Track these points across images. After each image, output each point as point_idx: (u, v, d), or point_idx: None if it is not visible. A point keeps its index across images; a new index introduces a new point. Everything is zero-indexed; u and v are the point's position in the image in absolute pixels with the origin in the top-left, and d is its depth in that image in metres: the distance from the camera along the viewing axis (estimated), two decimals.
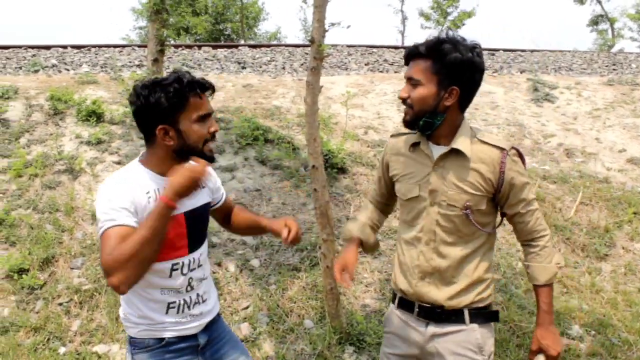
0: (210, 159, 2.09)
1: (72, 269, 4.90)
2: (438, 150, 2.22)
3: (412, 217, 2.31)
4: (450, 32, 2.15)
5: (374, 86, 9.18)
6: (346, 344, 4.17)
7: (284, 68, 10.49)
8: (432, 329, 2.28)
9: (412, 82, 2.16)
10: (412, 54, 2.17)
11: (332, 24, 3.66)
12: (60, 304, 4.53)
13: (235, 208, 2.60)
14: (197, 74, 9.22)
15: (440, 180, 2.20)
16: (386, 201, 2.62)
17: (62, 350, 4.09)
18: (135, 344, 2.16)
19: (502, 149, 2.16)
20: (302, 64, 10.75)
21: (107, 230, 1.85)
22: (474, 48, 2.11)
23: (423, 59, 2.12)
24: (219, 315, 2.42)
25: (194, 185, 1.88)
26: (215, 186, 2.41)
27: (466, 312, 2.25)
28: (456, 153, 2.18)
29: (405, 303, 2.38)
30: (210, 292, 2.35)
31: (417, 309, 2.32)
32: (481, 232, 2.23)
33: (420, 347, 2.32)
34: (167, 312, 2.14)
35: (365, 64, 10.96)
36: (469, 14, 23.16)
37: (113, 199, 1.92)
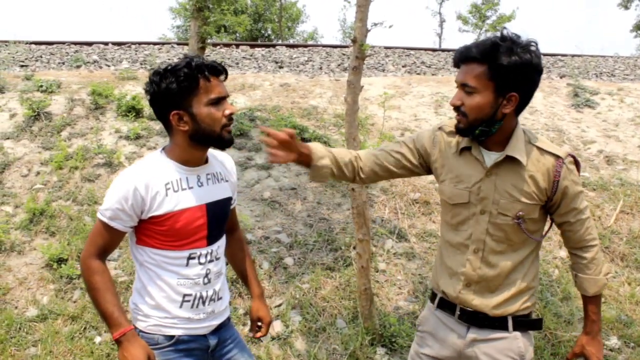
0: (229, 142, 2.10)
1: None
2: (490, 157, 2.13)
3: (457, 221, 2.23)
4: (505, 32, 1.99)
5: (411, 88, 9.12)
6: (378, 345, 4.15)
7: (321, 68, 10.50)
8: (473, 334, 2.22)
9: (465, 89, 2.02)
10: (464, 58, 2.03)
11: (375, 24, 3.65)
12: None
13: (237, 232, 2.56)
14: (235, 73, 9.33)
15: (493, 189, 2.11)
16: (371, 173, 2.33)
17: (97, 339, 4.16)
18: (144, 339, 2.09)
19: (557, 156, 2.07)
20: (339, 65, 10.75)
21: (100, 221, 2.04)
22: (531, 47, 1.97)
23: (477, 63, 1.98)
24: (228, 319, 2.39)
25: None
26: (234, 185, 2.39)
27: (510, 320, 2.19)
28: (510, 160, 2.08)
29: (447, 304, 2.30)
30: (225, 291, 2.33)
31: (459, 312, 2.25)
32: (531, 239, 2.16)
33: (458, 350, 2.26)
34: (181, 306, 2.12)
35: (403, 66, 10.91)
36: (509, 18, 22.86)
37: (118, 195, 1.99)
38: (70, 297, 4.56)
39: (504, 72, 1.94)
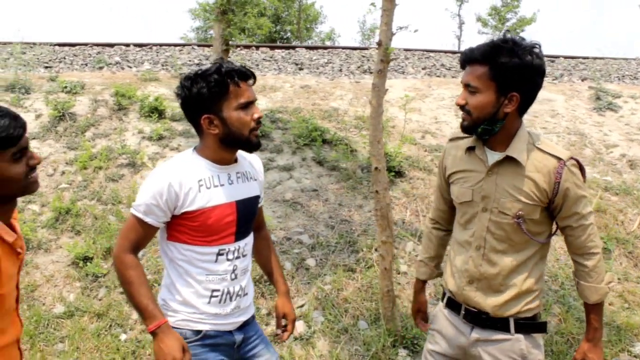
0: (257, 145, 2.16)
1: None
2: (493, 156, 2.19)
3: (465, 220, 2.30)
4: (508, 35, 2.09)
5: (431, 91, 9.13)
6: (400, 347, 4.16)
7: (340, 70, 10.53)
8: (477, 334, 2.28)
9: (469, 88, 2.11)
10: (468, 59, 2.12)
11: (400, 28, 3.68)
12: (122, 293, 4.66)
13: (264, 230, 2.62)
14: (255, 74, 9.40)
15: (493, 187, 2.17)
16: (447, 221, 2.58)
17: (123, 337, 4.22)
18: None
19: (559, 158, 2.10)
20: (358, 67, 10.77)
21: (134, 216, 2.09)
22: (533, 49, 2.03)
23: (480, 65, 2.07)
24: (253, 316, 2.44)
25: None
26: (262, 184, 2.44)
27: (512, 322, 2.23)
28: (511, 160, 2.14)
29: (453, 304, 2.38)
30: (250, 287, 2.39)
31: (464, 312, 2.32)
32: (533, 241, 2.19)
33: (463, 349, 2.33)
34: (209, 302, 2.17)
35: (423, 68, 10.90)
36: (529, 21, 22.68)
37: (153, 190, 2.05)
38: (95, 295, 4.63)
39: (504, 72, 2.02)
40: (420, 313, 2.71)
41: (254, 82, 2.15)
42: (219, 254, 2.16)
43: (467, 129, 2.19)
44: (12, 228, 1.77)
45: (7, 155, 1.67)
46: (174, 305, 2.18)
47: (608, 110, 8.92)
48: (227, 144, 2.13)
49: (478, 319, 2.28)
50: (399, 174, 6.36)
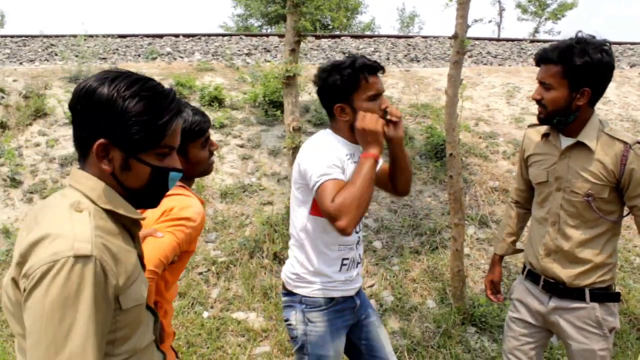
0: (387, 141, 2.33)
1: (207, 242, 5.31)
2: (566, 142, 2.43)
3: (541, 199, 2.55)
4: (580, 34, 2.30)
5: (481, 79, 9.22)
6: (468, 324, 4.35)
7: (388, 59, 10.65)
8: (554, 302, 2.51)
9: (544, 85, 2.33)
10: (542, 59, 2.34)
11: (475, 20, 3.83)
12: (200, 274, 4.94)
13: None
14: (305, 63, 9.56)
15: (565, 169, 2.41)
16: (526, 200, 2.80)
17: (205, 314, 4.48)
18: (307, 303, 2.38)
19: (625, 143, 2.30)
20: (405, 55, 10.88)
21: (323, 184, 2.10)
22: (603, 47, 2.24)
23: (553, 64, 2.28)
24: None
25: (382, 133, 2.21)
26: None
27: (587, 292, 2.44)
28: (581, 145, 2.36)
29: (533, 275, 2.62)
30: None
31: (542, 283, 2.55)
32: (604, 219, 2.39)
33: (542, 316, 2.57)
34: (340, 269, 2.37)
35: (469, 57, 10.96)
36: (570, 6, 22.40)
37: (325, 157, 2.19)
38: None
39: (577, 71, 2.23)
40: (493, 284, 2.91)
41: (383, 73, 2.35)
42: None
43: (543, 120, 2.44)
44: None
45: (199, 143, 2.13)
46: (309, 277, 2.37)
47: None
48: (354, 130, 2.30)
49: (555, 288, 2.51)
50: None
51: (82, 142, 1.39)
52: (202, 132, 2.12)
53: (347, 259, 2.39)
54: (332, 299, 2.39)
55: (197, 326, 4.32)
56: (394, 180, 2.53)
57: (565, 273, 2.45)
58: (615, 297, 2.50)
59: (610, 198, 2.36)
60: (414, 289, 4.77)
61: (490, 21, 4.00)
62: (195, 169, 2.17)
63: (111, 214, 1.39)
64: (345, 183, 2.13)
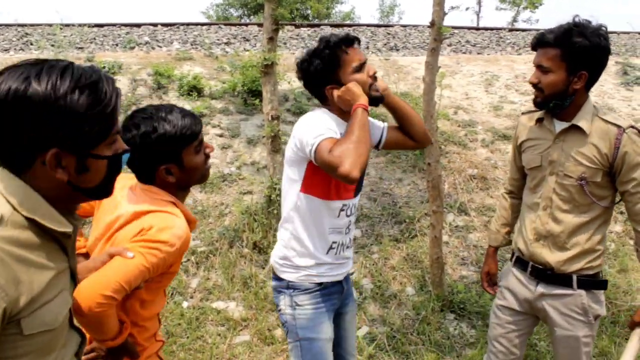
0: (380, 99, 2.32)
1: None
2: (560, 126, 2.42)
3: (534, 184, 2.55)
4: (577, 18, 2.30)
5: (460, 67, 9.26)
6: (447, 311, 4.39)
7: (367, 47, 10.65)
8: (542, 288, 2.52)
9: (542, 69, 2.33)
10: (540, 43, 2.34)
11: (452, 7, 3.84)
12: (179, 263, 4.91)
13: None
14: (284, 52, 9.53)
15: (559, 152, 2.41)
16: (520, 189, 2.78)
17: (185, 304, 4.47)
18: (295, 287, 2.37)
19: (619, 126, 2.31)
20: (385, 44, 10.88)
21: (319, 143, 2.08)
22: (600, 31, 2.26)
23: (551, 47, 2.28)
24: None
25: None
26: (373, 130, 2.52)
27: (574, 278, 2.44)
28: (576, 129, 2.37)
29: (521, 262, 2.62)
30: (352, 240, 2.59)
31: (530, 269, 2.55)
32: (596, 204, 2.39)
33: (529, 302, 2.58)
34: (327, 252, 2.35)
35: (448, 45, 11.00)
36: None
37: (318, 123, 2.18)
38: None
39: (575, 53, 2.24)
40: (489, 277, 2.92)
41: (359, 44, 2.33)
42: (341, 209, 2.34)
43: (540, 104, 2.43)
44: None
45: (192, 148, 1.93)
46: (297, 261, 2.35)
47: (636, 84, 9.02)
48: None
49: (543, 274, 2.51)
50: None
51: (20, 158, 1.19)
52: (195, 135, 1.93)
53: (336, 242, 2.37)
54: (319, 283, 2.38)
55: (176, 316, 4.30)
56: (408, 132, 2.50)
57: (553, 258, 2.45)
58: (603, 285, 2.50)
59: (603, 182, 2.37)
60: (394, 277, 4.79)
61: (467, 9, 4.03)
62: (192, 176, 1.98)
63: (34, 223, 1.20)
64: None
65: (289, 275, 2.38)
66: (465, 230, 5.45)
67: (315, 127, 2.15)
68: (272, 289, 2.50)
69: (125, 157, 1.38)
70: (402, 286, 4.71)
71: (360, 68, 2.26)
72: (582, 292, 2.44)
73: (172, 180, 1.93)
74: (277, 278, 2.43)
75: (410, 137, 2.52)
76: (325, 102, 2.35)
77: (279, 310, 2.45)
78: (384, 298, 4.54)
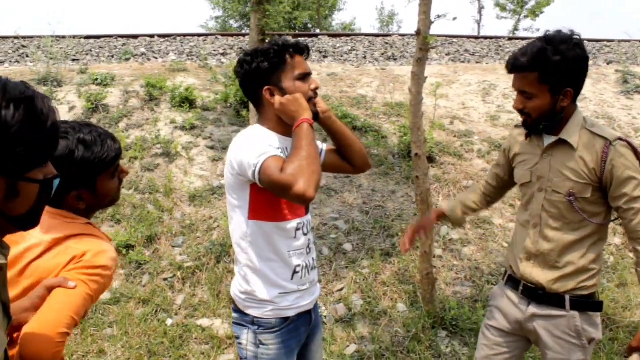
0: (315, 115, 2.18)
1: (173, 247, 5.18)
2: (548, 140, 2.31)
3: (525, 201, 2.44)
4: (548, 33, 2.19)
5: (457, 77, 9.15)
6: (439, 328, 4.26)
7: (365, 57, 10.56)
8: (533, 309, 2.38)
9: (524, 95, 2.22)
10: (515, 67, 2.22)
11: (438, 16, 3.73)
12: (165, 279, 4.80)
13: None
14: None
15: (547, 167, 2.30)
16: (491, 194, 2.73)
17: (169, 321, 4.35)
18: (260, 324, 2.20)
19: (606, 139, 2.19)
20: (382, 54, 10.79)
21: (263, 163, 1.95)
22: (574, 41, 2.14)
23: (529, 72, 2.17)
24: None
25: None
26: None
27: (567, 298, 2.30)
28: (563, 143, 2.25)
29: (513, 280, 2.50)
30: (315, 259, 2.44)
31: (522, 288, 2.43)
32: (588, 221, 2.26)
33: (519, 323, 2.44)
34: (292, 278, 2.20)
35: (447, 54, 10.90)
36: (547, 2, 22.40)
37: (257, 144, 2.04)
38: (139, 282, 4.76)
39: (555, 74, 2.13)
40: (417, 233, 2.74)
41: (308, 57, 2.23)
42: (297, 229, 2.20)
43: (530, 128, 2.32)
44: None
45: (109, 174, 1.81)
46: (260, 294, 2.18)
47: (636, 93, 8.88)
48: None
49: (535, 294, 2.38)
50: (430, 159, 6.42)
51: None
52: (113, 161, 1.79)
53: (299, 265, 2.23)
54: (286, 318, 2.22)
55: (159, 334, 4.18)
56: (347, 157, 2.41)
57: (544, 277, 2.33)
58: (598, 307, 2.36)
59: (594, 199, 2.24)
60: (384, 292, 4.66)
61: (455, 18, 3.88)
62: (102, 201, 1.85)
63: None
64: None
65: (253, 311, 2.21)
66: (460, 243, 5.32)
67: (255, 146, 2.02)
68: (233, 320, 2.32)
69: (56, 183, 1.26)
70: (393, 302, 4.58)
71: (303, 77, 2.15)
72: (576, 313, 2.30)
73: (81, 207, 1.79)
74: (240, 312, 2.26)
75: (349, 162, 2.43)
76: (260, 107, 2.21)
77: (239, 344, 2.27)
78: (373, 315, 4.41)
